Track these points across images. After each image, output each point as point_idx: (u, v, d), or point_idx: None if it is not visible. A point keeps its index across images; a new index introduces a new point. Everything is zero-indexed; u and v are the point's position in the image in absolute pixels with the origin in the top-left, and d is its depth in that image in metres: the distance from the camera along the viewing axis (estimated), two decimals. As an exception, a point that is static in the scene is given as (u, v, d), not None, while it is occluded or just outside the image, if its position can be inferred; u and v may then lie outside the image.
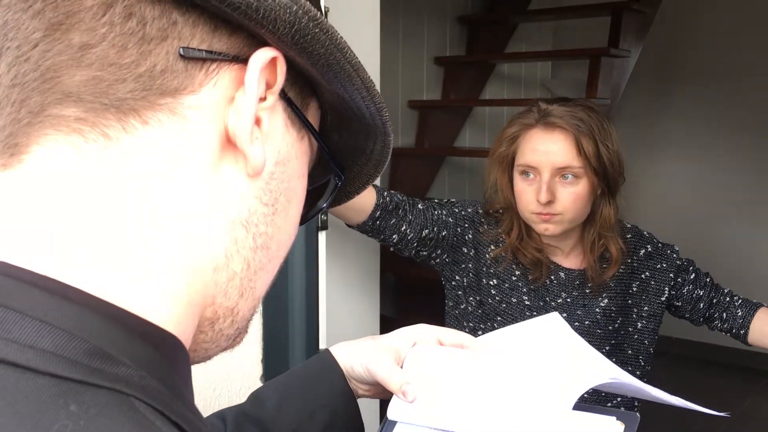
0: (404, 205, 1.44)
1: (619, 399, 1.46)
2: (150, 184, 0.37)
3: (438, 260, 1.47)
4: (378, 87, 1.61)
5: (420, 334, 0.82)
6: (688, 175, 4.21)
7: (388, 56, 2.80)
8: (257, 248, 0.43)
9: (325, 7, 1.25)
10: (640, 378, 1.48)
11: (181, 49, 0.37)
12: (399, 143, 3.27)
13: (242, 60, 0.39)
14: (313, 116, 0.47)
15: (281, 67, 0.40)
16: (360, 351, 0.80)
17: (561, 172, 1.33)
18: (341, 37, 0.41)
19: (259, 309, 1.21)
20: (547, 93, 3.93)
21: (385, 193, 1.44)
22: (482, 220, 1.46)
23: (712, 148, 4.10)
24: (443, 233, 1.44)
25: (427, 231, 1.43)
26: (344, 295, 1.56)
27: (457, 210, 1.47)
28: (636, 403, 1.49)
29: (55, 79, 0.36)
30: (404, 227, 1.43)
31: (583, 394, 1.49)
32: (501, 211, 1.45)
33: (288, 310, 1.23)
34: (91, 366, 0.33)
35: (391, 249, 1.49)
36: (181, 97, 0.38)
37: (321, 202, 0.51)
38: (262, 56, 0.39)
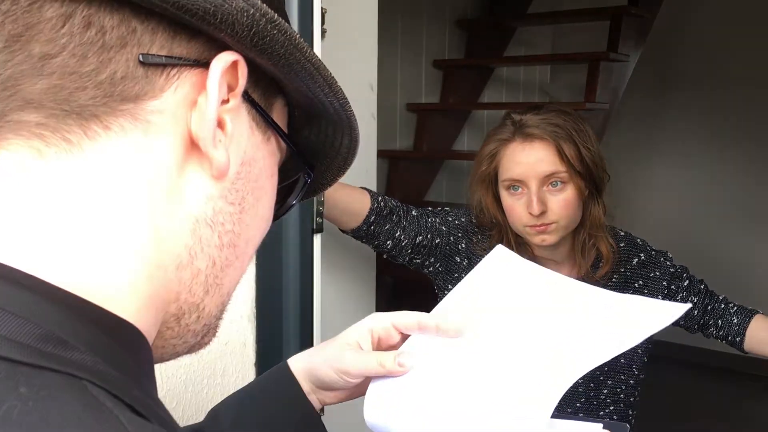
0: (398, 211, 1.44)
1: (611, 408, 1.45)
2: (112, 185, 0.39)
3: (431, 268, 1.47)
4: (376, 90, 1.61)
5: (375, 322, 0.77)
6: (685, 180, 4.21)
7: (386, 59, 2.80)
8: (223, 246, 0.44)
9: (322, 9, 1.24)
10: (634, 387, 1.47)
11: (140, 56, 0.38)
12: (397, 146, 3.26)
13: (203, 64, 0.40)
14: (279, 115, 0.48)
15: (242, 70, 0.41)
16: (321, 354, 0.76)
17: (548, 180, 1.32)
18: (299, 37, 0.43)
19: (253, 312, 1.21)
20: (545, 97, 3.93)
21: (380, 198, 1.43)
22: (476, 230, 1.46)
23: (710, 154, 4.10)
24: (437, 241, 1.44)
25: (421, 238, 1.43)
26: (339, 299, 1.56)
27: (450, 219, 1.46)
28: (630, 412, 1.48)
29: (15, 87, 0.37)
30: (398, 233, 1.42)
31: (576, 404, 1.48)
32: (490, 227, 1.44)
33: (282, 314, 1.23)
34: (43, 350, 0.34)
35: (385, 256, 1.49)
36: (142, 102, 0.39)
37: (291, 198, 0.53)
38: (222, 60, 0.40)
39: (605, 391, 1.45)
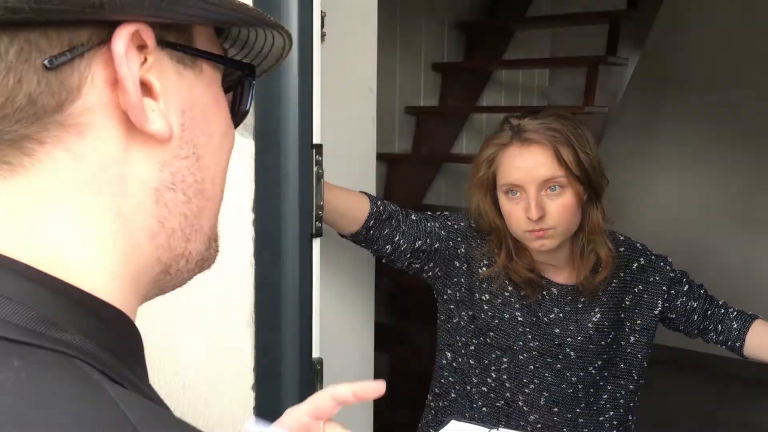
0: (398, 216, 1.43)
1: (611, 413, 1.45)
2: (64, 189, 0.41)
3: (430, 273, 1.46)
4: (375, 92, 1.61)
5: (285, 419, 0.72)
6: (684, 184, 4.21)
7: (385, 62, 2.79)
8: (191, 199, 0.46)
9: (322, 12, 1.24)
10: (633, 392, 1.46)
11: (45, 63, 0.39)
12: (395, 149, 3.26)
13: (106, 41, 0.41)
14: (202, 37, 0.47)
15: (145, 32, 0.41)
16: None
17: (546, 184, 1.31)
18: None
19: (252, 317, 1.20)
20: (544, 100, 3.93)
21: (379, 203, 1.43)
22: (475, 234, 1.45)
23: (709, 158, 4.11)
24: (436, 245, 1.43)
25: (420, 242, 1.42)
26: (338, 303, 1.55)
27: (450, 223, 1.46)
28: (630, 417, 1.48)
29: None
30: (398, 237, 1.41)
31: (576, 409, 1.48)
32: (489, 232, 1.44)
33: (281, 319, 1.22)
34: (36, 331, 0.37)
35: (384, 261, 1.48)
36: (67, 108, 0.40)
37: (243, 105, 0.53)
38: (121, 38, 0.40)
39: (605, 396, 1.44)
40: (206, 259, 0.50)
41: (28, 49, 0.38)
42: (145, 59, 0.42)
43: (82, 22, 0.40)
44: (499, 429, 1.11)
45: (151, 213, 0.44)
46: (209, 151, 0.47)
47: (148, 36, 0.42)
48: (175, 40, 0.44)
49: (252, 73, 0.52)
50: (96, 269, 0.42)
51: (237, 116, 0.53)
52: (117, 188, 0.42)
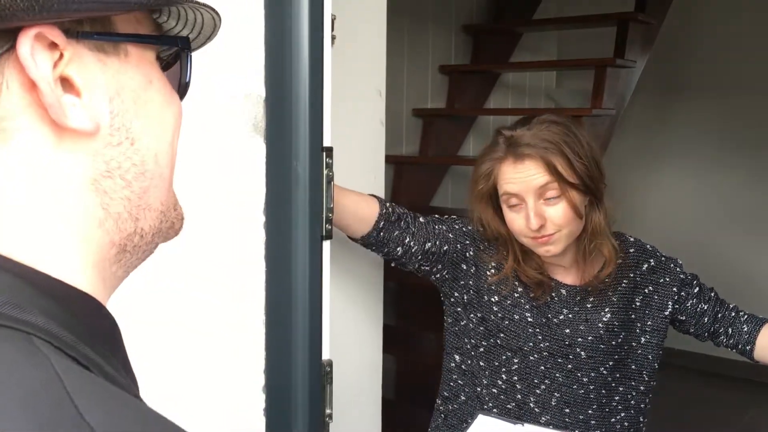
0: (406, 218, 1.44)
1: (623, 414, 1.45)
2: (9, 187, 0.43)
3: (438, 275, 1.47)
4: (383, 94, 1.61)
5: None
6: (691, 187, 4.20)
7: (393, 64, 2.79)
8: (131, 182, 0.47)
9: (332, 16, 1.24)
10: (645, 393, 1.46)
11: None
12: (403, 151, 3.26)
13: (13, 48, 0.41)
14: (124, 20, 0.47)
15: (52, 32, 0.42)
16: None
17: (543, 192, 1.32)
18: None
19: (262, 318, 1.20)
20: (551, 103, 3.93)
21: (388, 205, 1.43)
22: (483, 237, 1.46)
23: (716, 160, 4.09)
24: (445, 248, 1.44)
25: (429, 244, 1.43)
26: (347, 304, 1.56)
27: (458, 226, 1.46)
28: (641, 419, 1.48)
29: None
30: (408, 239, 1.42)
31: (587, 410, 1.48)
32: (495, 240, 1.44)
33: (291, 320, 1.22)
34: (2, 312, 0.39)
35: (393, 264, 1.49)
36: None
37: (184, 77, 0.53)
38: (25, 44, 0.41)
39: (617, 398, 1.44)
40: (165, 230, 0.51)
41: None
42: (61, 56, 0.43)
43: None
44: (525, 425, 1.11)
45: (93, 202, 0.46)
46: (147, 131, 0.48)
47: (55, 34, 0.42)
48: (90, 29, 0.44)
49: (187, 45, 0.53)
50: (60, 258, 0.44)
51: (180, 89, 0.53)
52: (56, 183, 0.44)
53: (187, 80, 0.54)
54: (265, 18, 1.11)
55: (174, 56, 0.53)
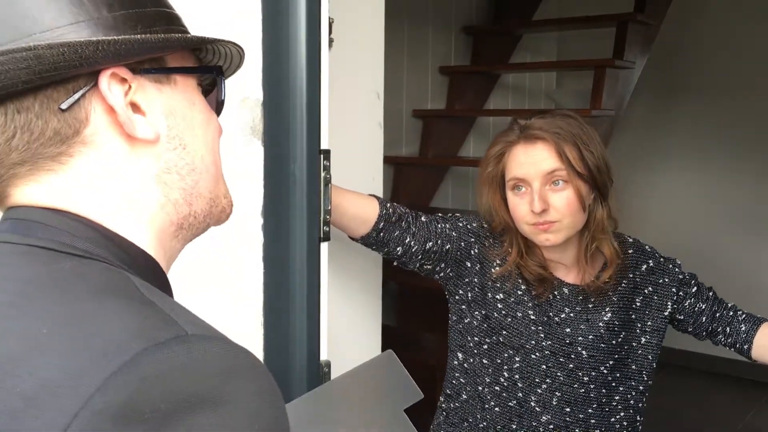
0: (407, 217, 1.44)
1: (622, 414, 1.45)
2: (95, 178, 0.59)
3: (442, 274, 1.47)
4: (383, 96, 1.62)
5: None
6: (691, 187, 4.20)
7: (393, 66, 2.80)
8: (185, 176, 0.64)
9: (330, 19, 1.25)
10: (643, 393, 1.47)
11: (60, 107, 0.57)
12: (403, 152, 3.27)
13: (97, 83, 0.58)
14: (175, 56, 0.64)
15: (122, 71, 0.58)
16: None
17: (550, 178, 1.34)
18: (129, 38, 0.58)
19: (260, 319, 1.21)
20: (551, 104, 3.94)
21: (388, 205, 1.44)
22: (488, 234, 1.46)
23: (715, 161, 4.10)
24: (447, 247, 1.44)
25: (431, 244, 1.43)
26: (346, 306, 1.56)
27: (461, 224, 1.47)
28: (638, 418, 1.48)
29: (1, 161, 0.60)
30: (408, 239, 1.42)
31: (587, 410, 1.48)
32: (502, 231, 1.45)
33: (290, 322, 1.23)
34: (85, 249, 0.57)
35: (395, 263, 1.49)
36: (80, 134, 0.59)
37: (219, 96, 0.70)
38: (104, 82, 0.58)
39: (617, 398, 1.45)
40: (216, 213, 0.68)
41: (47, 102, 0.57)
42: (130, 87, 0.59)
43: (77, 75, 0.57)
44: None
45: (157, 192, 0.62)
46: (194, 139, 0.64)
47: (124, 72, 0.59)
48: (149, 66, 0.61)
49: (221, 73, 0.69)
50: (133, 229, 0.61)
51: (217, 106, 0.70)
52: (131, 176, 0.61)
53: (222, 98, 0.70)
54: (262, 21, 1.12)
55: (211, 82, 0.69)
